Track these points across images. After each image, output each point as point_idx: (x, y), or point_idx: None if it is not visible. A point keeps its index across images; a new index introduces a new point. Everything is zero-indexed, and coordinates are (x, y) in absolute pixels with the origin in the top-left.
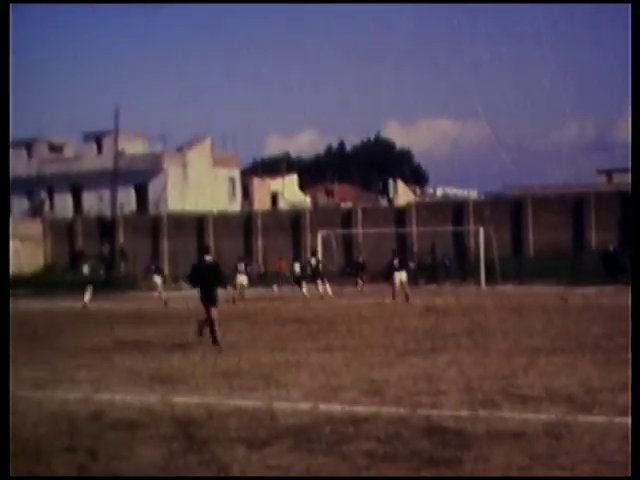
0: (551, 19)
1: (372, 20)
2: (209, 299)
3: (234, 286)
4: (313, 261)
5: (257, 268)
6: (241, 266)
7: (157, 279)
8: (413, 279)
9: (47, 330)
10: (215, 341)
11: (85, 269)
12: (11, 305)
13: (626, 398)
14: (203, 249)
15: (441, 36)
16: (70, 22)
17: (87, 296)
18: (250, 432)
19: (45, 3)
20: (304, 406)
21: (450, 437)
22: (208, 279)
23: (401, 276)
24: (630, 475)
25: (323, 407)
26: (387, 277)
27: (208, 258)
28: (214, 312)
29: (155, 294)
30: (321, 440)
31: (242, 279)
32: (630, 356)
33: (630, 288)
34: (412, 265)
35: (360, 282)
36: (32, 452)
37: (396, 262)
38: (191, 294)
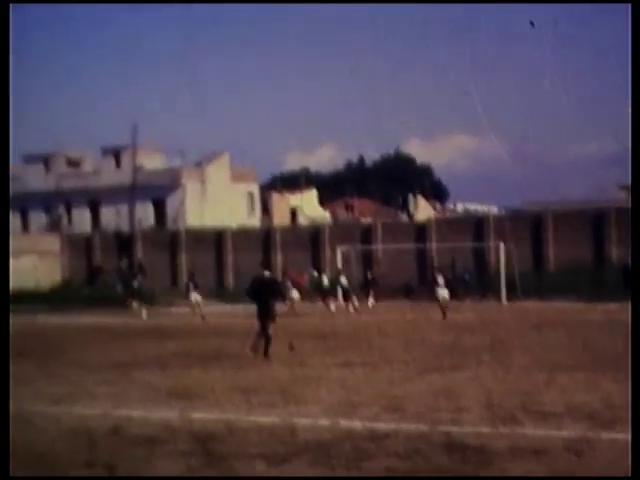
0: (571, 30)
1: (392, 36)
2: (267, 314)
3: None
4: (343, 280)
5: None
6: (287, 283)
7: (195, 295)
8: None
9: (65, 345)
10: (266, 354)
11: (135, 283)
12: (28, 320)
13: None
14: (262, 264)
15: (462, 54)
16: (87, 35)
17: (144, 313)
18: (269, 448)
19: (47, 3)
20: (324, 422)
21: (471, 453)
22: (266, 294)
23: (444, 293)
24: (630, 475)
25: (343, 423)
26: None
27: (267, 273)
28: (271, 328)
29: (191, 309)
30: (341, 456)
31: (295, 295)
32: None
33: (631, 303)
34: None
35: (371, 300)
36: (51, 467)
37: (440, 279)
38: (211, 310)
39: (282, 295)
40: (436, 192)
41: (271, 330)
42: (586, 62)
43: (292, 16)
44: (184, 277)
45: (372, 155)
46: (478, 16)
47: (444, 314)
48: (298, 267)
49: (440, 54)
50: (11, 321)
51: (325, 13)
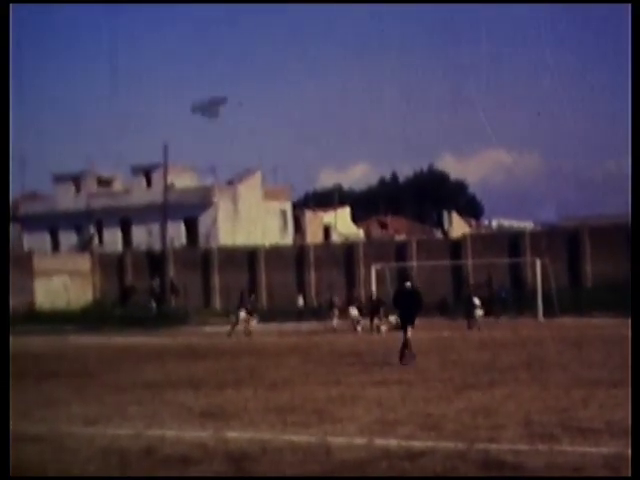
0: (615, 49)
1: (423, 51)
2: (408, 320)
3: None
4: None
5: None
6: (335, 299)
7: (243, 313)
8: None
9: (98, 366)
10: (402, 357)
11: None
12: (60, 340)
13: None
14: (404, 276)
15: (497, 68)
16: (119, 52)
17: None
18: (305, 467)
19: (46, 3)
20: (360, 441)
21: (508, 471)
22: (407, 303)
23: (479, 313)
24: (630, 475)
25: (379, 442)
26: (467, 315)
27: (408, 284)
28: (410, 331)
29: (240, 327)
30: (377, 475)
31: (355, 313)
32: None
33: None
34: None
35: (377, 326)
36: None
37: (476, 300)
38: (243, 329)
39: (421, 304)
40: (471, 208)
41: (409, 334)
42: (622, 75)
43: (325, 34)
44: (217, 296)
45: (405, 172)
46: (514, 28)
47: (470, 326)
48: (332, 285)
49: (473, 69)
50: (42, 341)
51: (361, 30)
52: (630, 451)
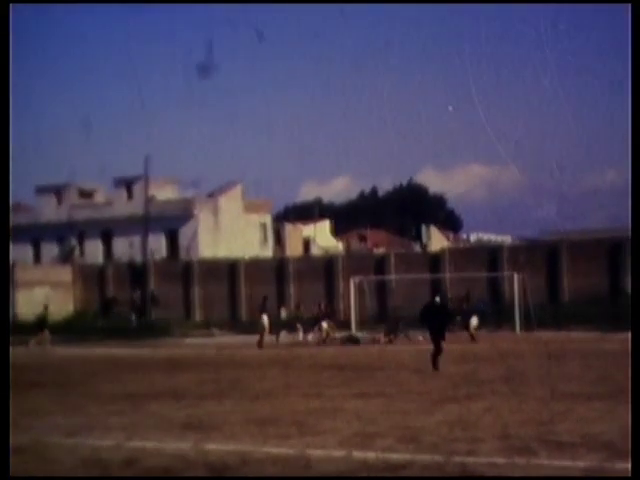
0: (601, 61)
1: (403, 64)
2: (438, 333)
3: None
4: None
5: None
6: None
7: (265, 319)
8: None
9: (79, 377)
10: (435, 366)
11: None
12: (40, 351)
13: None
14: (434, 292)
15: (475, 82)
16: (101, 63)
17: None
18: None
19: (45, 3)
20: (339, 453)
21: None
22: (438, 317)
23: (473, 322)
24: (630, 475)
25: (358, 454)
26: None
27: (437, 299)
28: (442, 344)
29: (265, 335)
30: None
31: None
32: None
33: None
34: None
35: (316, 333)
36: None
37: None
38: (224, 341)
39: (451, 318)
40: (450, 222)
41: (442, 346)
42: (604, 89)
43: (305, 48)
44: (198, 308)
45: (385, 185)
46: (495, 43)
47: (472, 337)
48: (312, 298)
49: (453, 83)
50: (24, 352)
51: (342, 43)
52: (630, 451)
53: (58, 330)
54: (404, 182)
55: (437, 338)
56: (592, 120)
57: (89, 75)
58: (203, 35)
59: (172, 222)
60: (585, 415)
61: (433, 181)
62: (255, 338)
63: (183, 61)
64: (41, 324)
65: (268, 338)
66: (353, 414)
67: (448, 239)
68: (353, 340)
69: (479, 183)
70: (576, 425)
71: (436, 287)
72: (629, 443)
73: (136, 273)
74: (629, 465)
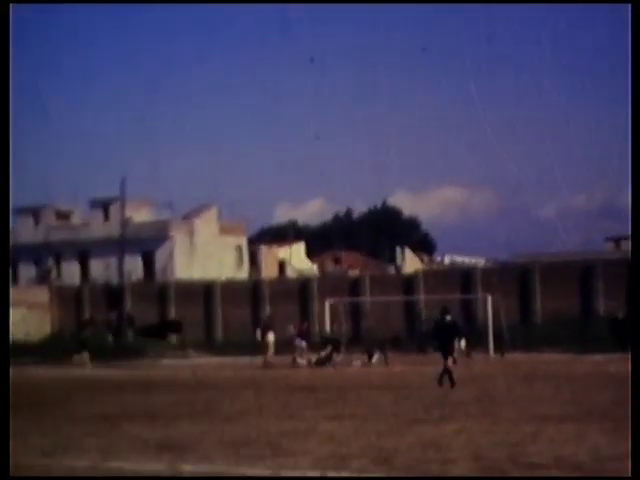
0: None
1: (379, 87)
2: (447, 350)
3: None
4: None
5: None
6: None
7: (271, 337)
8: (420, 347)
9: (55, 397)
10: (452, 383)
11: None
12: (16, 372)
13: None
14: (443, 310)
15: (448, 107)
16: (77, 87)
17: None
18: None
19: (44, 3)
20: (313, 474)
21: None
22: (448, 334)
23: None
24: (630, 475)
25: (332, 475)
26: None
27: (448, 318)
28: (450, 360)
29: (269, 355)
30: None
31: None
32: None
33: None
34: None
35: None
36: None
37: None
38: (200, 362)
39: (461, 336)
40: (423, 244)
41: (450, 362)
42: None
43: (278, 71)
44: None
45: (360, 207)
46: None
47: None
48: (287, 320)
49: (425, 106)
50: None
51: (314, 67)
52: (630, 451)
53: (35, 351)
54: (378, 204)
55: (445, 354)
56: (563, 145)
57: (62, 95)
58: (179, 55)
59: (148, 244)
60: (556, 437)
61: (407, 203)
62: (230, 360)
63: (160, 80)
64: (83, 344)
65: (273, 358)
66: (326, 435)
67: (422, 261)
68: (322, 362)
69: (452, 205)
70: (547, 447)
71: (411, 309)
72: (628, 447)
73: (112, 294)
74: None
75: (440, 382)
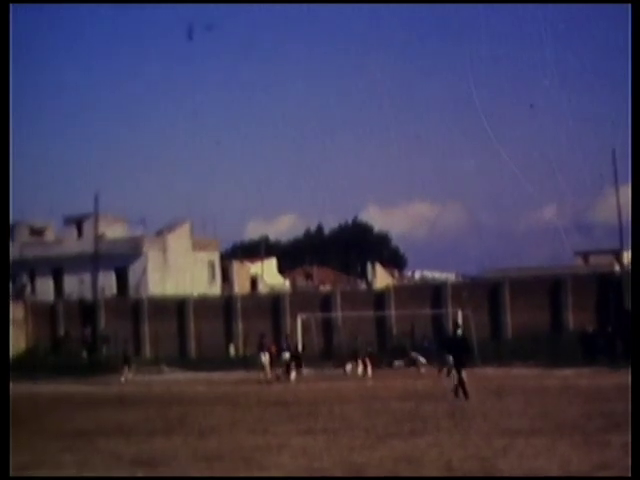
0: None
1: (350, 105)
2: (460, 363)
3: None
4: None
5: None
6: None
7: (264, 357)
8: (389, 362)
9: (29, 413)
10: (466, 395)
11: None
12: None
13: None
14: (454, 324)
15: (418, 123)
16: (53, 104)
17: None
18: None
19: (44, 3)
20: None
21: None
22: (459, 348)
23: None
24: (630, 475)
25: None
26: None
27: (459, 332)
28: (464, 373)
29: (261, 375)
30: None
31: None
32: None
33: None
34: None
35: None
36: None
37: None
38: (174, 377)
39: (472, 350)
40: (394, 260)
41: (464, 374)
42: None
43: (250, 84)
44: (147, 345)
45: (331, 223)
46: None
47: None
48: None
49: (395, 122)
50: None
51: (292, 86)
52: (630, 451)
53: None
54: (349, 220)
55: (459, 367)
56: (532, 160)
57: (35, 108)
58: (152, 72)
59: (121, 260)
60: (526, 450)
61: (377, 219)
62: (203, 375)
63: (136, 101)
64: (126, 359)
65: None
66: (299, 450)
67: (393, 276)
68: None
69: (423, 221)
70: (518, 460)
71: (382, 324)
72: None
73: (86, 310)
74: None
75: (456, 393)
